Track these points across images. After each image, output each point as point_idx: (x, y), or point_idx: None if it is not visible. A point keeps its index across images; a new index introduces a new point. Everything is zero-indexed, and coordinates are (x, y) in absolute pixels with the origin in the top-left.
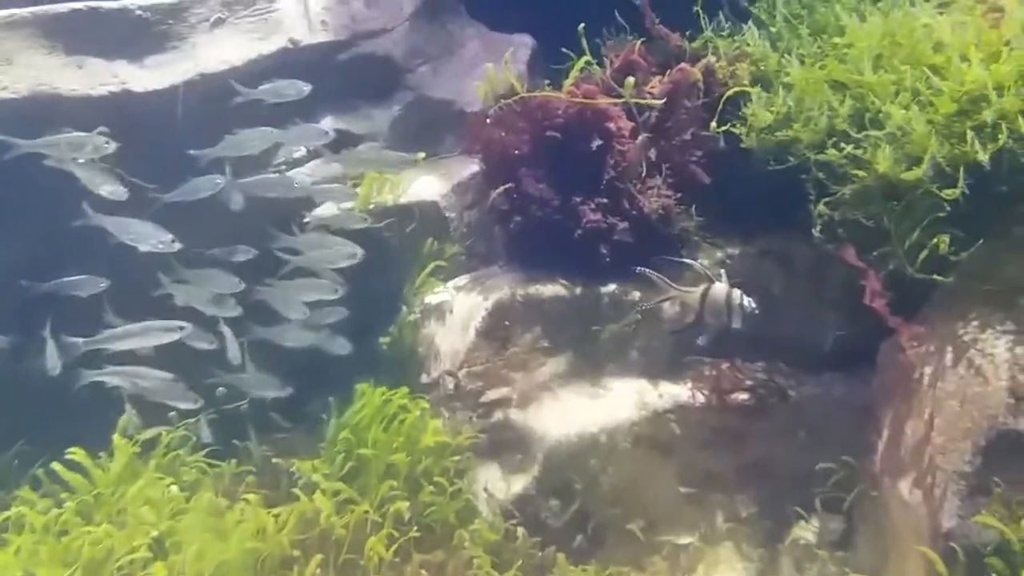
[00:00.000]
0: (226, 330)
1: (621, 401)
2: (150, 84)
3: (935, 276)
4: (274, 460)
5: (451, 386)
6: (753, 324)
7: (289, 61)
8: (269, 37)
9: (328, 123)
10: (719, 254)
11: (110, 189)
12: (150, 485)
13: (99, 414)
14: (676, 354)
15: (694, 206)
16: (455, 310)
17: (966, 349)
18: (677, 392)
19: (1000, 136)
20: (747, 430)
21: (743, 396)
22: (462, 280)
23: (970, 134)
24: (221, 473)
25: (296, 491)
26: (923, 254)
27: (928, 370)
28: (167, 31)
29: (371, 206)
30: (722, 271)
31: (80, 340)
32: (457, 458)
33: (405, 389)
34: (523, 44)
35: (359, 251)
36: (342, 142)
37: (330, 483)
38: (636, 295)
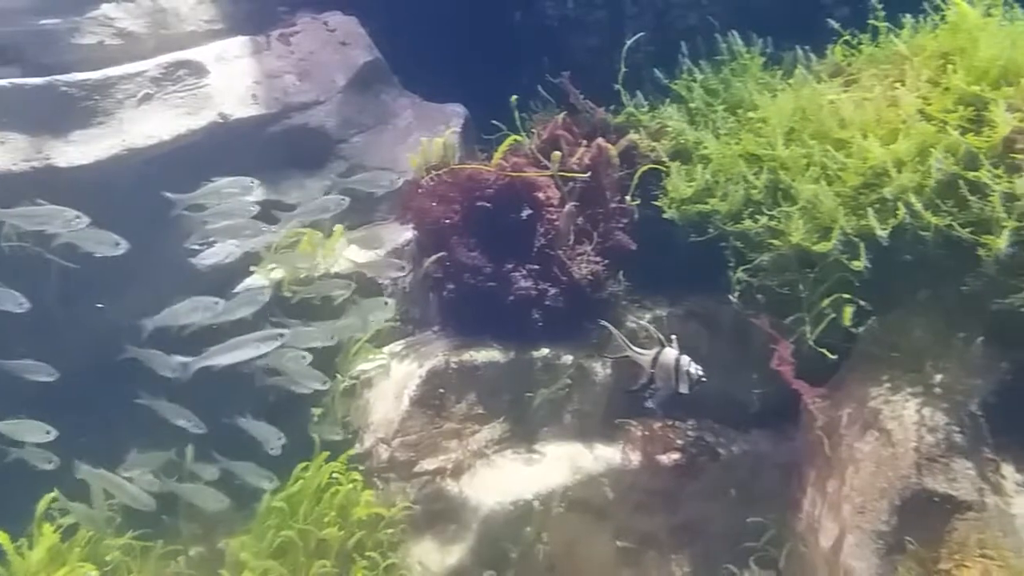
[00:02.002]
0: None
1: (555, 466)
2: (75, 159)
3: (825, 351)
4: (192, 550)
5: (384, 456)
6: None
7: (219, 135)
8: (198, 112)
9: (260, 194)
10: (648, 316)
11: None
12: (71, 573)
13: (19, 492)
14: (609, 416)
15: (622, 271)
16: (388, 378)
17: (879, 411)
18: (611, 455)
19: (899, 211)
20: (679, 490)
21: (674, 456)
22: (397, 346)
23: (870, 211)
24: (148, 554)
25: (223, 572)
26: (826, 323)
27: (845, 431)
28: (93, 107)
29: (302, 275)
30: (673, 336)
31: (188, 360)
32: (391, 531)
33: (340, 460)
34: (456, 114)
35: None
36: (275, 212)
37: (259, 561)
38: (568, 359)
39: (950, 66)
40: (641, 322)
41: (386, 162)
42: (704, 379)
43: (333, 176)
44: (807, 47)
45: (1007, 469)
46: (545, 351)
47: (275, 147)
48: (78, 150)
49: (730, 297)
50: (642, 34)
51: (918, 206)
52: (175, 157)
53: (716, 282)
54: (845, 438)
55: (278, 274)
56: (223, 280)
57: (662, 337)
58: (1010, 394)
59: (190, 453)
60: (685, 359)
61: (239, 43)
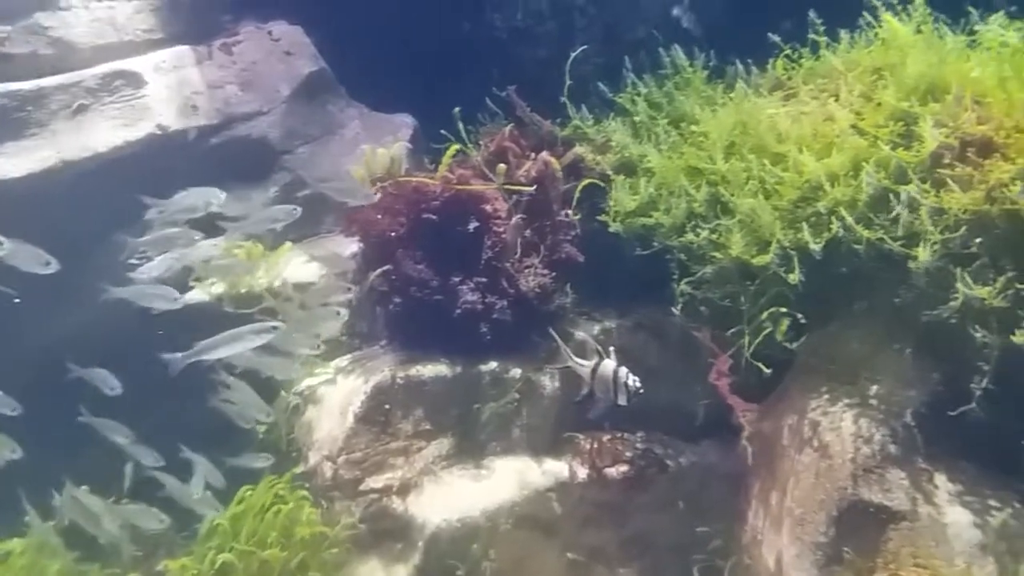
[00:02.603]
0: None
1: (503, 481)
2: (7, 172)
3: (761, 364)
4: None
5: (329, 474)
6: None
7: (157, 146)
8: (136, 123)
9: None
10: (596, 328)
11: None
12: None
13: None
14: (558, 429)
15: (570, 284)
16: (334, 394)
17: (818, 423)
18: (559, 469)
19: (833, 225)
20: (628, 503)
21: (623, 468)
22: (343, 361)
23: (804, 225)
24: None
25: None
26: (768, 335)
27: (787, 443)
28: (26, 118)
29: (243, 290)
30: (611, 348)
31: (179, 355)
32: (335, 550)
33: (281, 479)
34: (404, 124)
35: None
36: (216, 225)
37: None
38: (517, 372)
39: (882, 82)
40: (580, 333)
41: (332, 173)
42: (641, 391)
43: (311, 181)
44: (749, 60)
45: (939, 479)
46: (493, 365)
47: (216, 158)
48: (10, 162)
49: (673, 310)
50: (585, 47)
51: (850, 220)
52: (112, 169)
53: (664, 293)
54: (787, 450)
55: (218, 288)
56: None
57: (600, 349)
58: (942, 404)
59: (129, 472)
60: (623, 371)
61: (179, 53)
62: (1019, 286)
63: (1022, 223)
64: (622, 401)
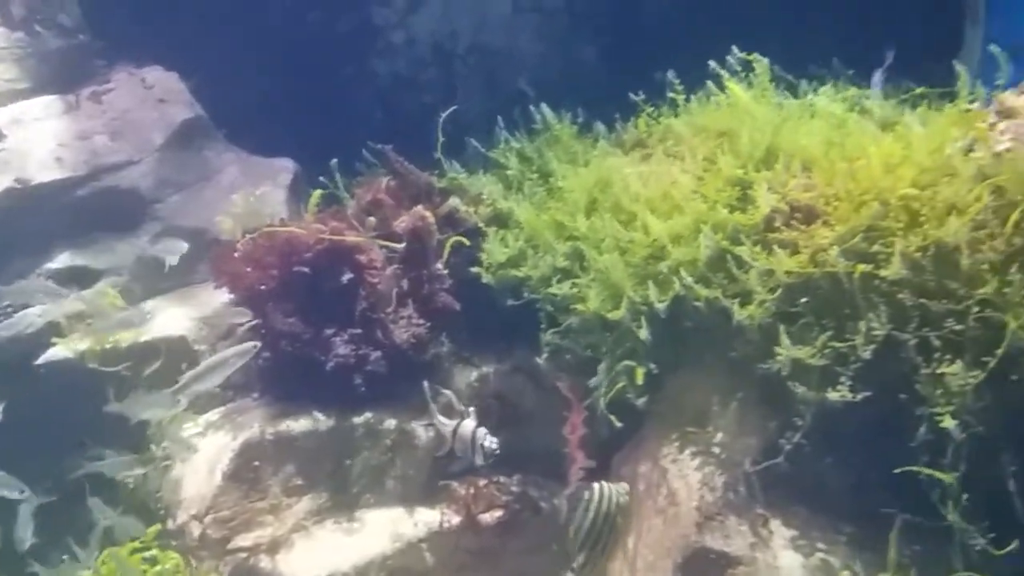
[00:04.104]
0: None
1: (375, 534)
2: None
3: (612, 416)
4: None
5: (196, 534)
6: (495, 461)
7: (16, 201)
8: None
9: (65, 259)
10: (474, 374)
11: None
12: None
13: None
14: (434, 478)
15: (447, 331)
16: (203, 449)
17: (667, 470)
18: (432, 518)
19: (675, 285)
20: (502, 548)
21: (497, 514)
22: (214, 415)
23: (651, 283)
24: None
25: None
26: (624, 385)
27: (641, 488)
28: None
29: (108, 345)
30: (471, 408)
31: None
32: None
33: (148, 538)
34: (284, 169)
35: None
36: (82, 278)
37: None
38: (392, 423)
39: (722, 147)
40: (446, 392)
41: (204, 221)
42: (498, 452)
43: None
44: (617, 116)
45: (775, 524)
46: (367, 416)
47: (83, 211)
48: None
49: (537, 359)
50: (456, 107)
51: (688, 279)
52: None
53: (538, 340)
54: (642, 496)
55: (82, 345)
56: (23, 352)
57: (464, 409)
58: (778, 452)
59: None
60: (481, 432)
61: (42, 104)
62: (837, 345)
63: (841, 285)
64: (479, 461)
